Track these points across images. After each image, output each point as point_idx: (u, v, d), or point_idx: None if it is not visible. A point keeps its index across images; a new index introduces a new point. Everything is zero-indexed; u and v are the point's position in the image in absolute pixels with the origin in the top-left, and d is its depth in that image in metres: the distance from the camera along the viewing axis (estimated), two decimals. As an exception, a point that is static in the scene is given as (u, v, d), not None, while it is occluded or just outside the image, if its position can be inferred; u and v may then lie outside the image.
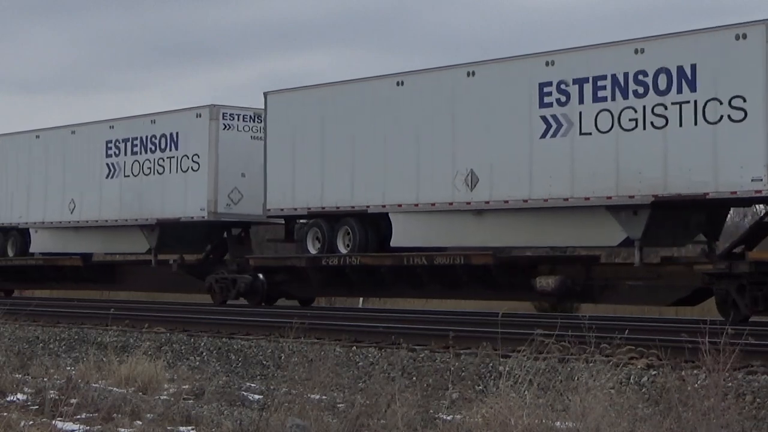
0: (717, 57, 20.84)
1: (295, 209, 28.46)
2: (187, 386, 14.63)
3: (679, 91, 21.30)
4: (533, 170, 23.42)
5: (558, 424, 9.60)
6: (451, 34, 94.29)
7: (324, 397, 11.87)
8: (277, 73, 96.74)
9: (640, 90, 21.85)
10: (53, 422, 11.11)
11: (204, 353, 19.89)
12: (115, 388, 13.67)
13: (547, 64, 23.38)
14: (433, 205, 25.32)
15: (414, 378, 15.48)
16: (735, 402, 10.52)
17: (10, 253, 37.55)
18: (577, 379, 10.35)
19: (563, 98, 23.02)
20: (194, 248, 33.61)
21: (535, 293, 24.17)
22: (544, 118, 23.28)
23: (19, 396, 13.09)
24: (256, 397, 13.48)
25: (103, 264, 37.18)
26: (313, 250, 28.25)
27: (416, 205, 25.68)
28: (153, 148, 32.37)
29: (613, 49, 22.53)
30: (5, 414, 11.12)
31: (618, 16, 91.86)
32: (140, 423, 11.43)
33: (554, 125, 23.14)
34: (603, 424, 9.31)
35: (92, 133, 34.44)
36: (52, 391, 12.81)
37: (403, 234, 26.26)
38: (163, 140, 32.11)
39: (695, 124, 21.06)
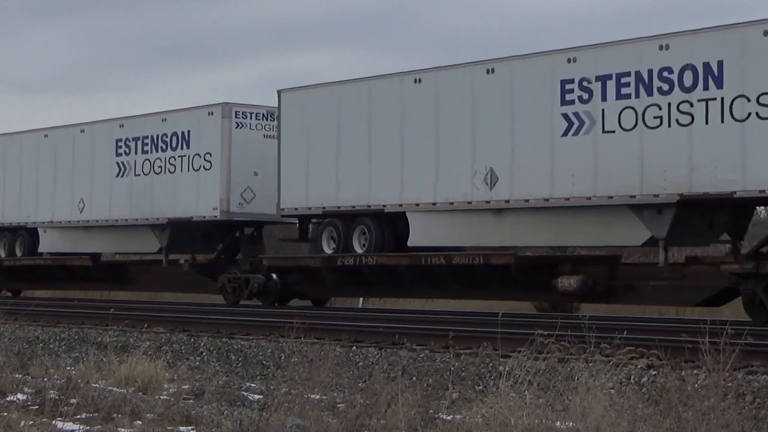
0: (745, 53, 20.48)
1: (310, 208, 28.09)
2: (187, 386, 14.60)
3: (706, 87, 20.95)
4: (554, 169, 23.07)
5: (558, 424, 9.57)
6: (451, 34, 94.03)
7: (324, 397, 11.82)
8: (277, 73, 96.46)
9: (665, 87, 21.49)
10: (53, 422, 11.10)
11: (204, 353, 19.81)
12: (115, 388, 13.64)
13: (568, 60, 23.02)
14: (452, 204, 24.96)
15: (414, 378, 15.35)
16: (735, 402, 10.44)
17: (19, 253, 37.16)
18: (577, 379, 10.31)
19: (585, 95, 22.65)
20: (205, 248, 33.24)
21: (557, 293, 23.80)
22: (565, 116, 22.93)
23: (19, 396, 13.05)
24: (256, 397, 13.45)
25: (113, 264, 36.80)
26: (328, 250, 27.88)
27: (434, 204, 25.33)
28: (164, 147, 32.00)
29: (637, 45, 22.17)
30: (5, 414, 11.10)
31: (618, 16, 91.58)
32: (140, 423, 11.41)
33: (576, 123, 22.78)
34: (603, 424, 9.28)
35: (102, 132, 34.07)
36: (52, 391, 12.79)
37: (421, 233, 25.88)
38: (174, 139, 31.74)
39: (722, 121, 20.71)
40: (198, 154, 31.00)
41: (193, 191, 31.03)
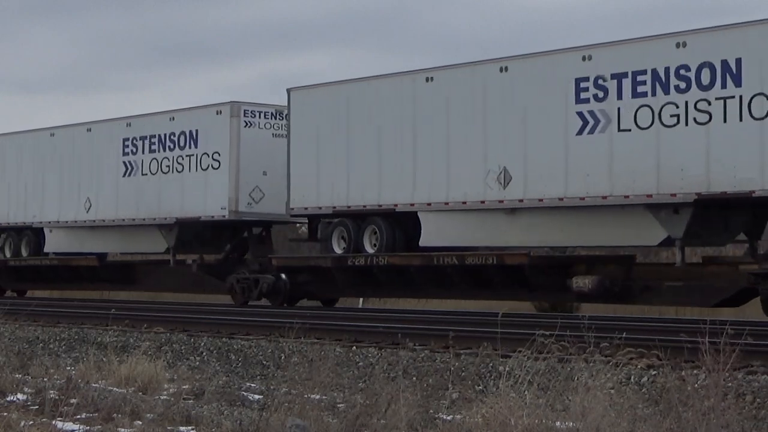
0: (764, 51, 20.23)
1: (320, 208, 27.84)
2: (187, 386, 14.55)
3: (724, 86, 20.72)
4: (569, 167, 22.83)
5: (558, 424, 9.55)
6: (451, 34, 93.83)
7: (324, 397, 11.79)
8: (277, 73, 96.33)
9: (682, 85, 21.25)
10: (53, 422, 11.08)
11: (204, 353, 19.75)
12: (115, 388, 13.61)
13: (583, 58, 22.78)
14: (464, 203, 24.72)
15: (414, 378, 15.29)
16: (735, 402, 10.40)
17: (24, 253, 36.91)
18: (577, 379, 10.29)
19: (601, 94, 22.41)
20: (213, 248, 32.99)
21: (572, 294, 23.55)
22: (580, 114, 22.68)
23: (19, 396, 13.03)
24: (256, 397, 13.42)
25: (120, 264, 36.49)
26: (338, 250, 27.63)
27: (446, 203, 25.08)
28: (172, 146, 31.75)
29: (654, 43, 21.93)
30: (5, 414, 11.09)
31: (618, 16, 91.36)
32: (140, 423, 11.38)
33: (591, 121, 22.53)
34: (603, 424, 9.27)
35: (109, 131, 33.82)
36: (52, 391, 12.77)
37: (433, 233, 25.62)
38: (182, 138, 31.49)
39: (740, 120, 20.47)
40: (206, 153, 30.75)
41: (201, 191, 30.78)
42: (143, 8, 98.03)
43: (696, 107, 21.03)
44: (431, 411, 11.31)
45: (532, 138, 23.46)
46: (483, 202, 24.32)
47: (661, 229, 21.93)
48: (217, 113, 30.56)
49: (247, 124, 30.32)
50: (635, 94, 21.91)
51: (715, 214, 21.75)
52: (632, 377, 13.56)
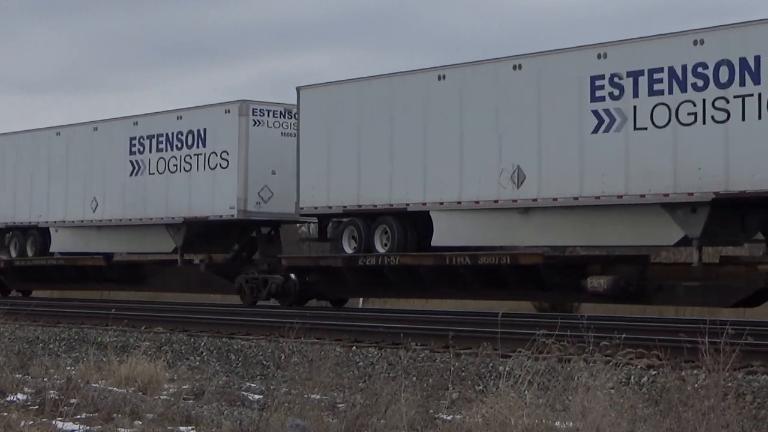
0: (783, 48, 20.02)
1: (330, 208, 27.60)
2: (187, 386, 14.54)
3: (742, 83, 20.47)
4: (584, 166, 22.59)
5: (558, 424, 9.54)
6: (451, 34, 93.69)
7: (324, 397, 11.75)
8: (277, 73, 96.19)
9: (700, 83, 21.01)
10: (53, 422, 11.08)
11: (204, 353, 19.71)
12: (115, 388, 13.61)
13: (598, 56, 22.53)
14: (477, 203, 24.48)
15: (414, 378, 15.23)
16: (735, 402, 10.37)
17: (30, 253, 36.68)
18: (577, 379, 10.30)
19: (616, 92, 22.17)
20: (221, 248, 32.82)
21: (586, 294, 23.30)
22: (595, 113, 22.45)
23: (19, 396, 13.03)
24: (256, 397, 13.42)
25: (127, 264, 36.25)
26: (349, 250, 27.39)
27: (459, 203, 24.83)
28: (179, 145, 31.51)
29: (670, 40, 21.68)
30: (5, 414, 11.09)
31: (618, 16, 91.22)
32: (140, 423, 11.36)
33: (607, 120, 22.29)
34: (603, 424, 9.25)
35: (115, 130, 33.57)
36: (52, 391, 12.77)
37: (445, 233, 25.38)
38: (190, 137, 31.24)
39: (759, 117, 20.23)
40: (214, 153, 30.51)
41: (210, 190, 30.54)
42: (143, 8, 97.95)
43: (714, 105, 20.79)
44: (431, 411, 11.27)
45: (547, 136, 23.22)
46: (496, 201, 24.09)
47: (677, 228, 21.70)
48: (226, 112, 30.32)
49: (255, 122, 30.09)
50: (651, 92, 21.67)
51: (732, 213, 21.51)
52: (632, 377, 13.52)
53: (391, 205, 26.19)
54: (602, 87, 22.36)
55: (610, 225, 22.83)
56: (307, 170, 27.86)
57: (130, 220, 32.89)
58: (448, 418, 10.80)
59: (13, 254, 37.15)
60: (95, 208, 33.81)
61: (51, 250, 36.16)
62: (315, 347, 17.56)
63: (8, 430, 10.45)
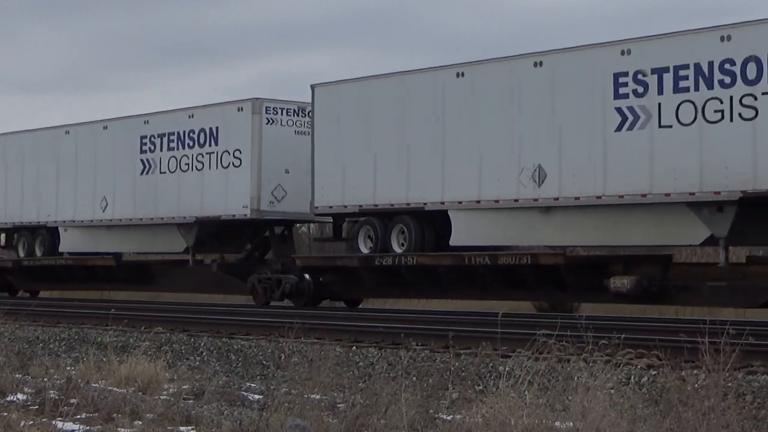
0: (813, 43, 19.66)
1: (345, 207, 27.22)
2: (187, 386, 14.55)
3: (771, 80, 20.12)
4: (607, 165, 22.22)
5: (558, 424, 9.54)
6: (451, 34, 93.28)
7: (324, 397, 11.77)
8: (277, 73, 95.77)
9: (727, 80, 20.63)
10: (53, 422, 11.09)
11: (204, 353, 19.70)
12: (115, 388, 13.64)
13: (622, 53, 22.16)
14: (497, 202, 24.12)
15: (414, 378, 15.16)
16: (735, 402, 10.37)
17: (38, 252, 36.31)
18: (577, 379, 10.31)
19: (640, 89, 21.80)
20: (233, 247, 32.44)
21: (609, 294, 22.92)
22: (619, 110, 22.07)
23: (19, 396, 13.05)
24: (256, 397, 13.46)
25: (137, 264, 35.83)
26: (365, 250, 27.02)
27: (478, 202, 24.47)
28: (191, 144, 31.13)
29: (697, 36, 21.31)
30: (5, 414, 11.10)
31: (618, 16, 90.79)
32: (140, 423, 11.38)
33: (631, 117, 21.93)
34: (603, 424, 9.26)
35: (125, 129, 33.20)
36: (52, 391, 12.80)
37: (464, 232, 25.00)
38: (202, 135, 30.86)
39: (788, 115, 19.88)
40: (227, 151, 30.13)
41: (222, 189, 30.17)
42: (143, 8, 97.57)
43: (741, 102, 20.42)
44: (431, 411, 11.26)
45: (568, 135, 22.86)
46: (516, 200, 23.73)
47: (703, 227, 21.35)
48: (239, 110, 29.94)
49: (269, 121, 29.71)
50: (677, 89, 21.30)
51: (760, 212, 21.12)
52: (632, 377, 13.48)
53: (408, 204, 25.83)
54: (626, 84, 22.00)
55: (634, 224, 22.47)
56: (321, 169, 27.49)
57: (141, 219, 32.53)
58: (448, 418, 10.78)
59: (22, 254, 36.78)
60: (105, 208, 33.45)
61: (60, 249, 35.79)
62: (315, 347, 17.54)
63: (8, 430, 10.43)
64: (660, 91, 21.51)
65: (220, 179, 30.21)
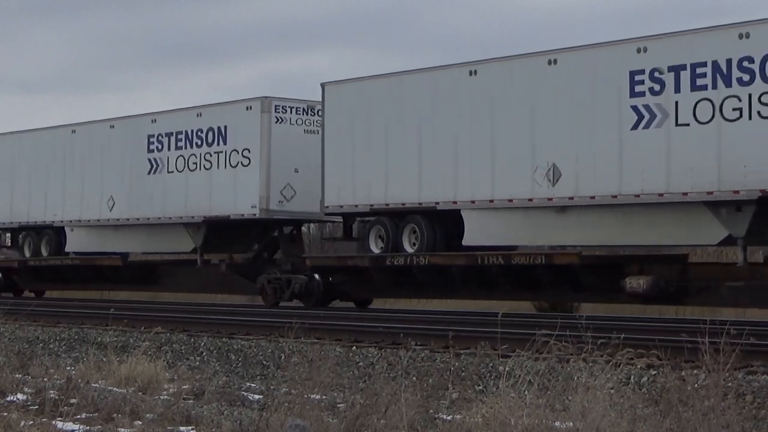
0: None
1: (356, 206, 26.98)
2: (187, 386, 14.56)
3: (791, 77, 19.88)
4: (623, 164, 21.98)
5: (558, 424, 9.54)
6: (451, 34, 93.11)
7: (324, 397, 11.76)
8: (277, 73, 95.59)
9: (746, 77, 20.39)
10: (53, 422, 11.10)
11: (204, 353, 19.69)
12: (115, 388, 13.65)
13: (638, 50, 21.92)
14: (511, 201, 23.88)
15: (414, 378, 15.12)
16: (735, 402, 10.36)
17: (44, 252, 36.07)
18: (577, 379, 10.30)
19: (657, 87, 21.56)
20: (241, 247, 32.18)
21: (624, 294, 22.68)
22: (635, 108, 21.83)
23: (19, 396, 13.06)
24: (256, 397, 13.49)
25: (144, 264, 35.59)
26: (375, 249, 26.77)
27: (491, 201, 24.23)
28: (199, 143, 30.88)
29: (714, 34, 21.07)
30: (5, 414, 11.10)
31: (618, 16, 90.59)
32: (140, 423, 11.39)
33: (647, 116, 21.68)
34: (603, 424, 9.25)
35: (133, 128, 32.95)
36: (52, 391, 12.82)
37: (477, 232, 24.74)
38: (210, 134, 30.62)
39: (809, 112, 19.64)
40: (235, 150, 29.89)
41: (231, 188, 29.93)
42: (143, 8, 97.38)
43: (760, 100, 20.18)
44: (431, 411, 11.24)
45: (584, 133, 22.62)
46: (531, 199, 23.49)
47: (721, 227, 21.11)
48: (247, 109, 29.70)
49: (278, 119, 29.47)
50: (694, 87, 21.06)
51: (779, 211, 20.90)
52: (632, 377, 13.45)
53: (420, 203, 25.59)
54: (642, 82, 21.76)
55: (650, 224, 22.22)
56: (332, 168, 27.25)
57: (148, 219, 32.30)
58: (448, 418, 10.76)
59: (27, 254, 36.52)
60: (112, 207, 33.21)
61: (66, 249, 35.53)
62: (315, 347, 17.52)
63: (8, 430, 10.41)
64: (677, 89, 21.28)
65: (229, 178, 29.97)
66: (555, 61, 23.23)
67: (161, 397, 13.05)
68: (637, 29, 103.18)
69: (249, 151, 29.54)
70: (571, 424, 9.44)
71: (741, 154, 20.40)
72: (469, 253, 24.92)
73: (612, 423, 9.30)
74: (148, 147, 32.22)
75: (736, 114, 20.47)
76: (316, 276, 28.67)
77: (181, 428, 11.10)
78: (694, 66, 21.08)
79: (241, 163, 29.72)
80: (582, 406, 9.49)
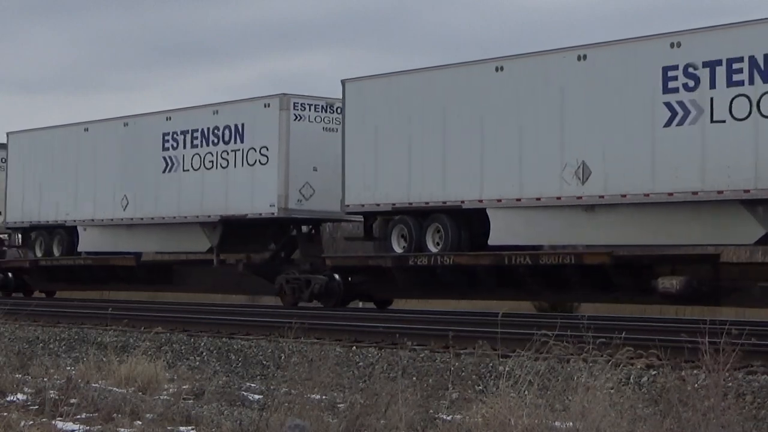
0: None
1: (378, 205, 26.51)
2: (187, 386, 14.53)
3: (831, 71, 19.44)
4: (656, 161, 21.51)
5: (558, 424, 9.55)
6: (451, 34, 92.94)
7: (324, 397, 11.72)
8: (277, 73, 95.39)
9: (784, 72, 19.94)
10: (53, 422, 11.13)
11: (204, 353, 19.65)
12: (115, 388, 13.66)
13: (672, 46, 21.46)
14: (539, 199, 23.42)
15: (414, 378, 15.05)
16: (735, 402, 10.33)
17: (56, 252, 35.60)
18: (577, 379, 10.28)
19: (691, 83, 21.10)
20: (257, 247, 31.69)
21: (657, 295, 22.21)
22: (668, 105, 21.37)
23: (19, 396, 13.07)
24: (256, 397, 13.49)
25: (159, 264, 35.11)
26: (398, 249, 26.27)
27: (518, 199, 23.77)
28: (215, 141, 30.41)
29: (751, 28, 20.62)
30: (5, 414, 11.12)
31: (618, 16, 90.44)
32: (140, 423, 11.40)
33: (681, 112, 21.22)
34: (603, 424, 9.25)
35: (147, 125, 32.50)
36: (52, 391, 12.83)
37: (504, 231, 24.26)
38: (226, 132, 30.14)
39: None
40: (253, 148, 29.41)
41: (248, 187, 29.45)
42: (143, 8, 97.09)
43: (799, 96, 19.74)
44: (431, 411, 11.23)
45: (615, 130, 22.16)
46: (559, 198, 23.02)
47: (758, 226, 20.66)
48: (265, 106, 29.22)
49: (296, 117, 28.99)
50: (730, 83, 20.61)
51: (817, 210, 20.45)
52: (632, 377, 13.42)
53: (445, 202, 25.13)
54: (675, 78, 21.30)
55: (683, 223, 21.76)
56: (352, 166, 26.78)
57: (163, 218, 31.83)
58: (448, 418, 10.74)
59: (39, 254, 36.06)
60: (126, 206, 32.75)
61: (79, 249, 35.05)
62: (315, 347, 17.48)
63: (8, 430, 10.40)
64: (712, 85, 20.84)
65: (246, 177, 29.50)
66: (584, 57, 22.78)
67: (161, 397, 13.02)
68: (638, 29, 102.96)
69: (267, 149, 29.06)
70: (571, 424, 9.41)
71: (779, 151, 19.95)
72: (495, 252, 24.45)
73: (612, 423, 9.28)
74: (163, 145, 31.75)
75: (774, 110, 20.01)
76: (337, 276, 28.18)
77: (181, 428, 11.07)
78: (730, 61, 20.64)
79: (259, 161, 29.24)
80: (582, 406, 9.47)
